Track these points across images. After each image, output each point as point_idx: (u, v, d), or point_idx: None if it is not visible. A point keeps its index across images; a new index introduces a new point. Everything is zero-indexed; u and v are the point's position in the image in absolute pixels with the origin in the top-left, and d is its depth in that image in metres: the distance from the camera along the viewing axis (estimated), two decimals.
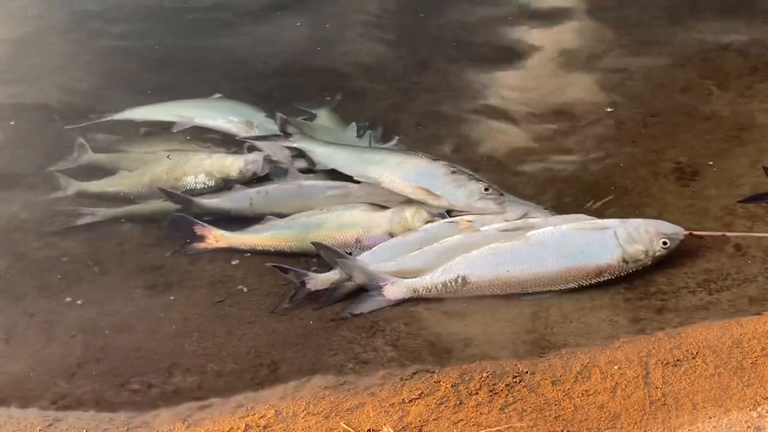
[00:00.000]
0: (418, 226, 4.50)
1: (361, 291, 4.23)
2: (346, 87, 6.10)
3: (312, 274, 4.29)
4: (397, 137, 5.36)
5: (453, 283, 4.16)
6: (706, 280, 4.12)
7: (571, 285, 4.16)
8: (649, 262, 4.20)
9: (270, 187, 4.98)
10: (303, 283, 4.25)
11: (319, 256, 4.44)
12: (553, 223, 4.35)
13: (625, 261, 4.17)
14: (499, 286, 4.16)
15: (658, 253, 4.20)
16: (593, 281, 4.16)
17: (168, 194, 4.95)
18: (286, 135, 5.24)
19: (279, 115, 5.38)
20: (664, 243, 4.20)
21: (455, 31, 6.76)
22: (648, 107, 5.65)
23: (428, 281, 4.18)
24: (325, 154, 5.06)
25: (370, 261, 4.34)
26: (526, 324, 3.94)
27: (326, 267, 4.35)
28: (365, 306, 4.16)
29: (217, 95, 5.87)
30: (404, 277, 4.21)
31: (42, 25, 7.07)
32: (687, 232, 4.27)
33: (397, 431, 3.26)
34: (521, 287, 4.16)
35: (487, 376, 3.49)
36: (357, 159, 4.98)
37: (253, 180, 5.08)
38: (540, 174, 5.13)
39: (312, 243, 4.46)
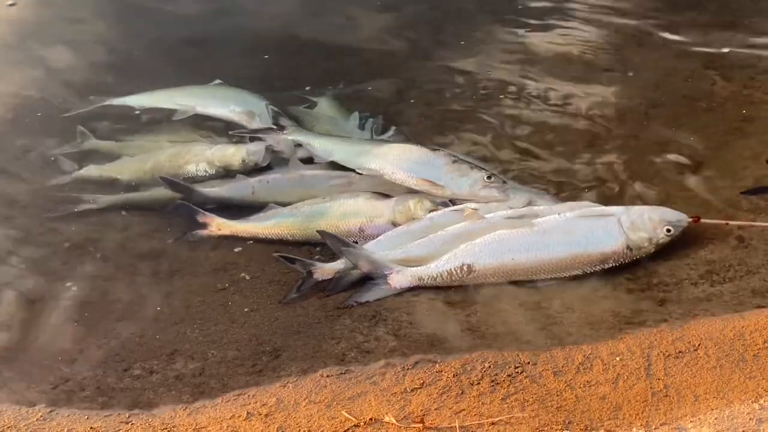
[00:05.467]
0: (422, 215, 4.50)
1: (366, 280, 4.23)
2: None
3: (319, 264, 4.29)
4: (394, 128, 5.34)
5: (458, 271, 4.16)
6: (709, 271, 4.12)
7: (576, 272, 4.17)
8: (653, 249, 4.22)
9: (272, 177, 4.98)
10: (310, 273, 4.25)
11: (323, 245, 4.45)
12: (557, 210, 4.35)
13: (629, 248, 4.18)
14: (504, 274, 4.17)
15: (661, 241, 4.21)
16: (597, 268, 4.17)
17: (169, 183, 4.94)
18: (280, 128, 5.20)
19: (271, 107, 5.36)
20: (668, 230, 4.21)
21: None
22: (650, 98, 5.64)
23: (433, 269, 4.18)
24: (322, 147, 5.01)
25: (375, 250, 4.33)
26: (528, 314, 3.94)
27: (330, 256, 4.36)
28: (371, 294, 4.16)
29: (217, 81, 5.86)
30: (409, 266, 4.21)
31: None
32: (690, 219, 4.28)
33: (399, 420, 3.26)
34: (526, 274, 4.17)
35: (489, 367, 3.49)
36: (357, 152, 4.94)
37: (254, 170, 5.07)
38: (541, 165, 5.12)
39: (318, 232, 4.47)
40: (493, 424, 3.22)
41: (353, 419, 3.28)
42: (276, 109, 5.39)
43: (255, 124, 5.43)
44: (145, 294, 4.30)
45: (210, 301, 4.25)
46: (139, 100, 5.76)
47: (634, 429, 3.16)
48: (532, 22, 6.62)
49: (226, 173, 5.10)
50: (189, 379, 3.72)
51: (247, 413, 3.38)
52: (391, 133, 5.29)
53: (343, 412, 3.32)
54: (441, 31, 6.71)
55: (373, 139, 5.23)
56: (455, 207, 4.53)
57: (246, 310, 4.16)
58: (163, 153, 5.27)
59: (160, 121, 5.66)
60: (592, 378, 3.41)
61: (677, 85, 5.73)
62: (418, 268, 4.20)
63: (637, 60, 6.09)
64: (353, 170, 4.88)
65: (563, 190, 4.82)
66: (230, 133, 5.36)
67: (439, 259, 4.19)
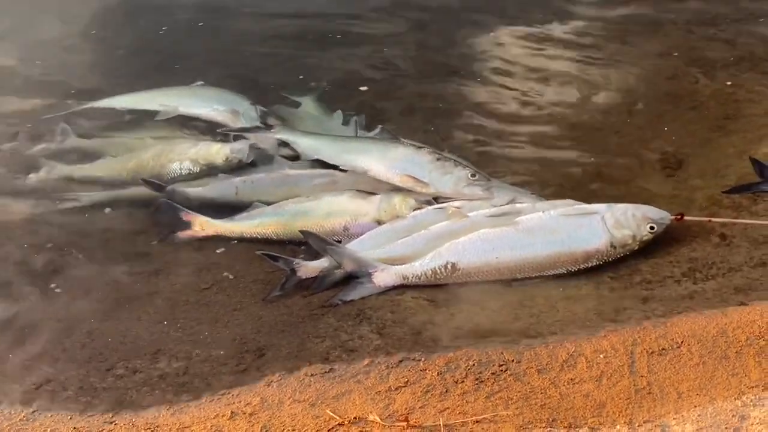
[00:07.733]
0: (406, 213, 4.50)
1: (351, 278, 4.22)
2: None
3: (302, 262, 4.28)
4: (380, 126, 5.35)
5: (442, 270, 4.16)
6: (691, 269, 4.13)
7: (560, 270, 4.17)
8: (636, 247, 4.23)
9: (256, 176, 4.96)
10: (293, 271, 4.24)
11: (307, 244, 4.44)
12: (540, 208, 4.35)
13: (612, 246, 4.19)
14: (488, 272, 4.17)
15: (645, 238, 4.23)
16: (581, 266, 4.18)
17: (150, 184, 4.91)
18: (268, 127, 5.21)
19: (259, 107, 5.37)
20: (651, 227, 4.23)
21: None
22: (633, 96, 5.66)
23: (418, 268, 4.18)
24: (309, 145, 5.02)
25: (359, 248, 4.33)
26: (512, 313, 3.94)
27: (314, 254, 4.35)
28: (355, 293, 4.15)
29: (200, 82, 5.84)
30: (394, 264, 4.20)
31: None
32: (673, 217, 4.29)
33: (383, 419, 3.26)
34: (510, 273, 4.17)
35: (473, 365, 3.49)
36: (342, 149, 4.95)
37: (238, 168, 5.05)
38: (526, 162, 5.13)
39: (301, 231, 4.45)
40: (477, 422, 3.22)
41: (337, 418, 3.28)
42: (263, 108, 5.38)
43: (239, 124, 5.41)
44: (129, 293, 4.28)
45: (193, 300, 4.23)
46: (122, 102, 5.73)
47: (618, 426, 3.17)
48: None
49: (210, 171, 5.07)
50: (173, 378, 3.70)
51: (232, 412, 3.38)
52: (377, 131, 5.28)
53: (328, 411, 3.32)
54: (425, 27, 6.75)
55: (358, 137, 5.23)
56: (439, 205, 4.53)
57: (230, 309, 4.15)
58: (146, 151, 5.24)
59: (143, 119, 5.63)
60: (576, 375, 3.42)
61: (660, 83, 5.76)
62: (403, 266, 4.19)
63: (620, 57, 6.11)
64: (338, 168, 4.88)
65: (544, 187, 4.83)
66: (217, 131, 5.35)
67: (423, 258, 4.19)
